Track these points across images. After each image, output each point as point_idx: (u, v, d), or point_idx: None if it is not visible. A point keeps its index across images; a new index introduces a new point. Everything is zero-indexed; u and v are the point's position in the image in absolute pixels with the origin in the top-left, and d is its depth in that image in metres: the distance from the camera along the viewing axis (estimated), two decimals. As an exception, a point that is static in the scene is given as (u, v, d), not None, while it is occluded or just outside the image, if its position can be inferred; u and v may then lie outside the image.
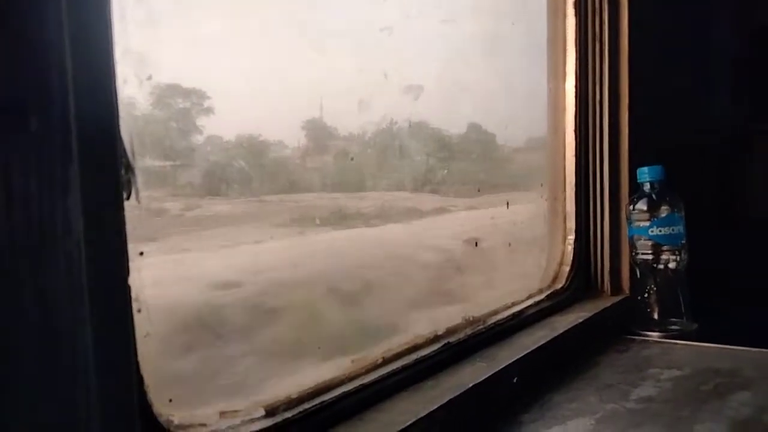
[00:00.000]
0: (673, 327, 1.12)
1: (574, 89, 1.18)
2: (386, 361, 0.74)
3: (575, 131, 1.18)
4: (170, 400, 0.52)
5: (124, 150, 0.45)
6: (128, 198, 0.45)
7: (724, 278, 1.30)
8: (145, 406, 0.48)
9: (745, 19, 1.64)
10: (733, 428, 0.70)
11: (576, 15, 1.17)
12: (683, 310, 1.13)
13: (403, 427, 0.62)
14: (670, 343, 1.05)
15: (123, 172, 0.44)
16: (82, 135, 0.39)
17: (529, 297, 1.07)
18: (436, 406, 0.67)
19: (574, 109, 1.18)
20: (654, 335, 1.09)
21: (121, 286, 0.43)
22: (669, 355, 0.98)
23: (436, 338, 0.83)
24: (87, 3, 0.41)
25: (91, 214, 0.39)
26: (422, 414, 0.65)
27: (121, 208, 0.43)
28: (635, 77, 1.18)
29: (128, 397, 0.43)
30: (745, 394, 0.79)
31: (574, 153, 1.18)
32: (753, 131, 1.62)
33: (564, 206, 1.19)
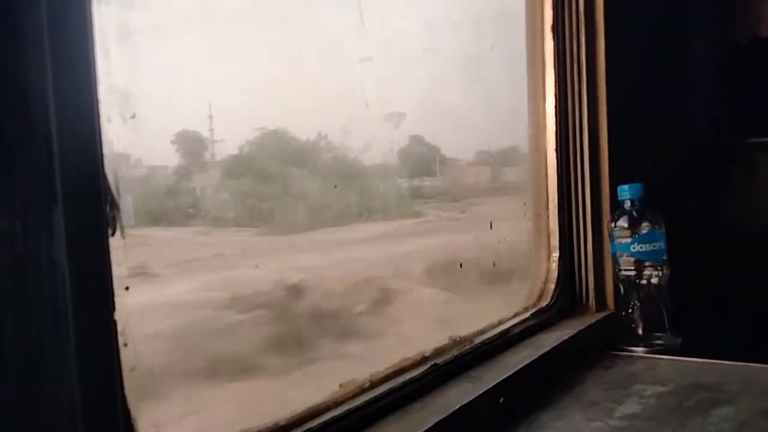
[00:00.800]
0: (658, 342, 1.13)
1: (554, 109, 1.20)
2: (373, 385, 0.75)
3: (556, 150, 1.20)
4: (157, 432, 0.52)
5: (109, 187, 0.46)
6: (113, 234, 0.46)
7: (708, 292, 1.32)
8: (132, 440, 0.48)
9: (722, 35, 1.68)
10: (715, 444, 0.71)
11: (554, 38, 1.20)
12: (667, 325, 1.14)
13: (390, 451, 0.63)
14: (655, 358, 1.06)
15: (108, 209, 0.45)
16: (67, 175, 0.40)
17: (515, 315, 1.08)
18: (423, 429, 0.68)
19: (554, 128, 1.21)
20: (639, 350, 1.11)
21: (106, 321, 0.44)
22: (653, 371, 0.99)
23: (423, 360, 0.84)
24: (69, 43, 0.42)
25: (76, 252, 0.40)
26: (409, 437, 0.66)
27: (107, 245, 0.44)
28: (614, 96, 1.21)
29: (115, 432, 0.44)
30: (727, 409, 0.80)
31: (555, 172, 1.20)
32: (733, 145, 1.66)
33: (547, 224, 1.21)
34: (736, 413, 0.79)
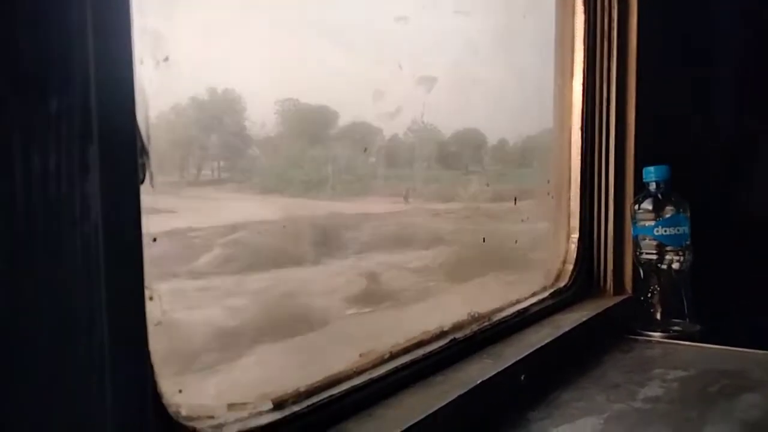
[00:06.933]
0: (676, 328, 1.11)
1: (581, 87, 1.17)
2: (394, 356, 0.73)
3: (581, 129, 1.18)
4: (180, 391, 0.51)
5: (140, 133, 0.43)
6: (143, 182, 0.44)
7: (728, 280, 1.30)
8: (156, 396, 0.46)
9: (750, 19, 1.64)
10: (744, 430, 0.70)
11: (585, 12, 1.16)
12: (686, 311, 1.12)
13: (412, 423, 0.61)
14: (674, 343, 1.05)
15: (138, 155, 0.43)
16: (102, 116, 0.37)
17: (533, 295, 1.07)
18: (445, 402, 0.66)
19: (581, 107, 1.18)
20: (656, 336, 1.09)
21: (136, 272, 0.42)
22: (673, 356, 0.97)
23: (442, 334, 0.82)
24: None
25: (109, 197, 0.38)
26: (431, 410, 0.64)
27: (138, 192, 0.42)
28: (643, 77, 1.18)
29: (141, 387, 0.42)
30: (753, 396, 0.79)
31: (579, 151, 1.18)
32: (758, 131, 1.63)
33: (568, 204, 1.19)
34: (763, 400, 0.77)
